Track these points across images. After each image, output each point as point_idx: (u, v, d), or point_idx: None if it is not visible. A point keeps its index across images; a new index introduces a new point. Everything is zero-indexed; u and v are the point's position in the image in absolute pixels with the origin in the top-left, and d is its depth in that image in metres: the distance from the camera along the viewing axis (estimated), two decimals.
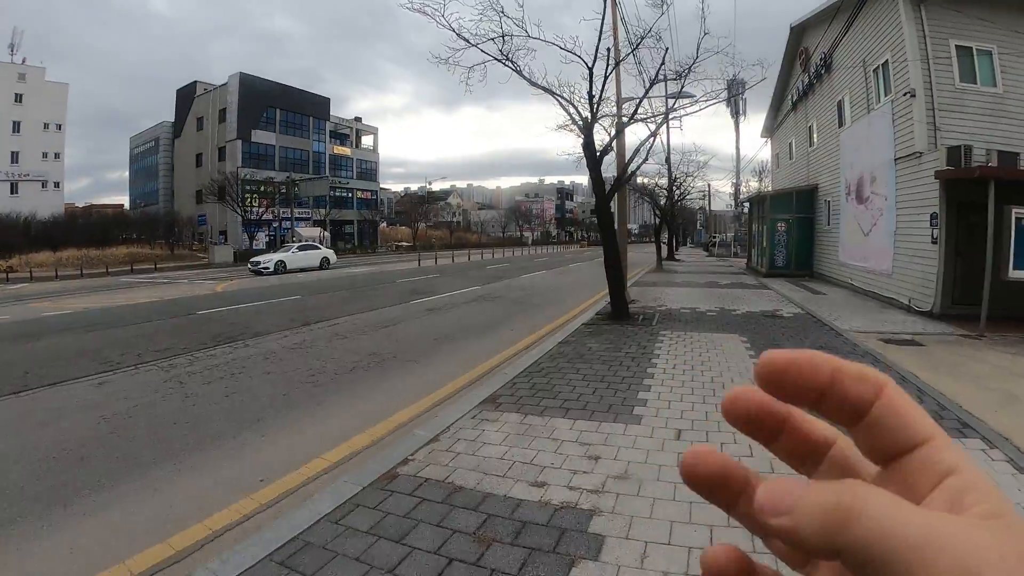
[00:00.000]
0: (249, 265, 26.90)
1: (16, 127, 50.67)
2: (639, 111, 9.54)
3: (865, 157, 13.56)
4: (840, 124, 15.75)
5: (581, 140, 9.14)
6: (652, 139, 9.69)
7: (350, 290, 16.65)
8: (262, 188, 48.74)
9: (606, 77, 8.80)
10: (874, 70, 12.99)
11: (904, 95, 11.05)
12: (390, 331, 9.59)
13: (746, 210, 32.09)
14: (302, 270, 27.29)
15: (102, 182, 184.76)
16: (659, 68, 9.01)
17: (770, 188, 26.12)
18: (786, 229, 18.91)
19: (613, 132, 9.47)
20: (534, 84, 8.50)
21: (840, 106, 15.76)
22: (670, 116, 9.70)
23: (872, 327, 8.87)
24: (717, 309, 11.00)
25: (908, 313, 10.49)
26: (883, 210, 12.47)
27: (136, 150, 69.93)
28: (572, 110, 8.99)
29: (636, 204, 39.06)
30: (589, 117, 8.98)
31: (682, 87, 9.31)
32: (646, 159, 10.02)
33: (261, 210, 45.06)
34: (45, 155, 53.02)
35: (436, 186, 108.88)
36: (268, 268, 25.40)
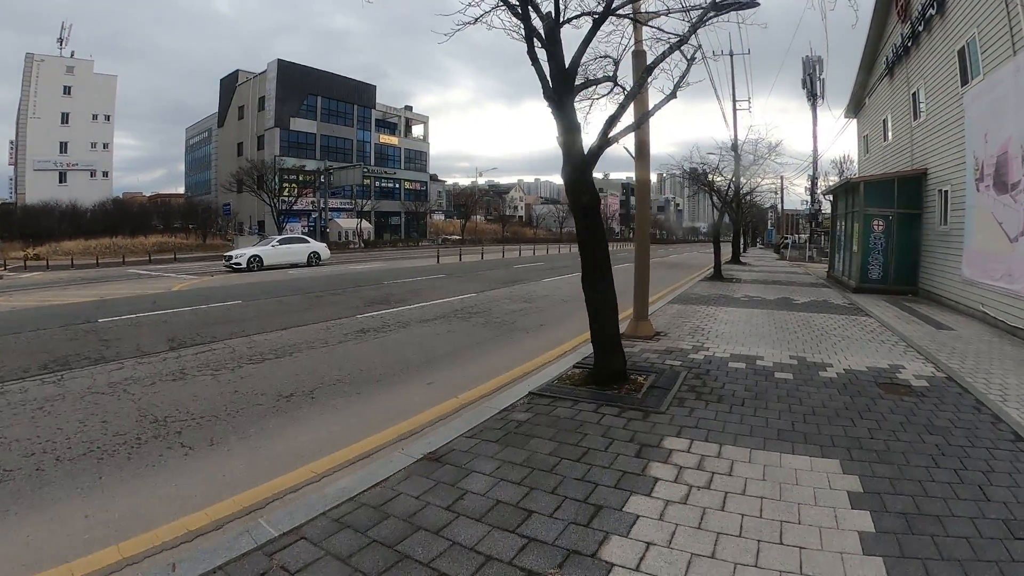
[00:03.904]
0: (223, 260, 24.22)
1: (65, 118, 51.69)
2: None
3: (1009, 122, 9.08)
4: (964, 81, 11.17)
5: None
6: (694, 54, 5.25)
7: (308, 295, 13.54)
8: (296, 176, 47.06)
9: None
10: None
11: None
12: (258, 369, 6.52)
13: (824, 207, 27.02)
14: (292, 265, 24.48)
15: (174, 173, 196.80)
16: None
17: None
18: (884, 229, 13.96)
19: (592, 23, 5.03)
20: None
21: (963, 55, 11.18)
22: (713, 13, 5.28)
23: None
24: (793, 360, 6.57)
25: None
26: None
27: (191, 140, 70.87)
28: None
29: (695, 194, 34.23)
30: None
31: None
32: (674, 94, 5.37)
33: (292, 199, 43.14)
34: (93, 145, 53.91)
35: (502, 179, 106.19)
36: (240, 264, 22.48)
